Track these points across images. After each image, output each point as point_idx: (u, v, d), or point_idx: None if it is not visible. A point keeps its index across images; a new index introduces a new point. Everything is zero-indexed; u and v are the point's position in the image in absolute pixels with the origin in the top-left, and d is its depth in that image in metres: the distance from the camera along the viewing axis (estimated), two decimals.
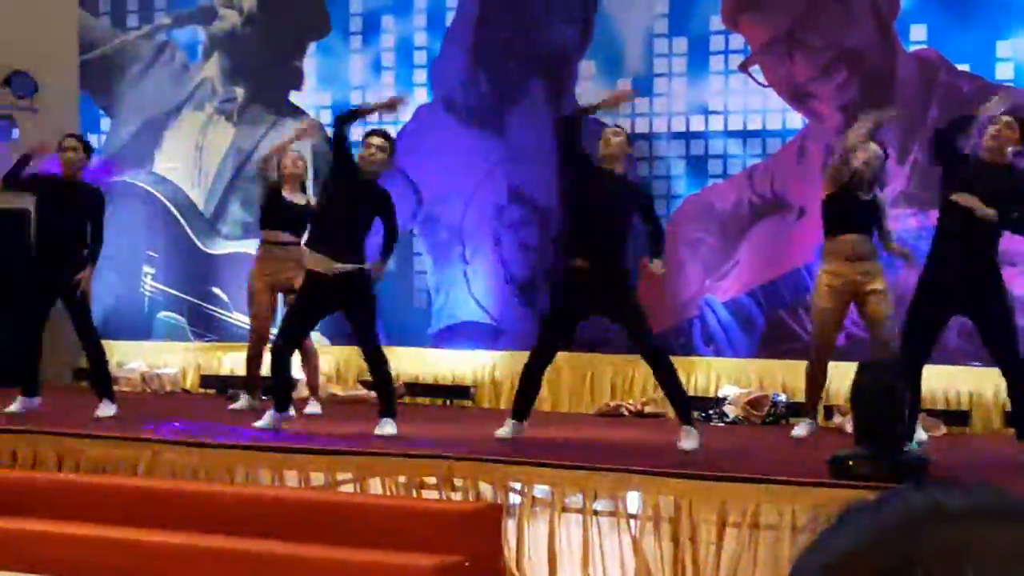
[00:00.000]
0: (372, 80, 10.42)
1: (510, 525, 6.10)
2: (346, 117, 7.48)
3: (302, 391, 8.91)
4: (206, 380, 10.58)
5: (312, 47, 10.65)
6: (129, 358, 10.68)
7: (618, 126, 7.40)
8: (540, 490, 6.12)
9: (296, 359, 8.89)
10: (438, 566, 5.64)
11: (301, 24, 10.72)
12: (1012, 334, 6.66)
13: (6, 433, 7.46)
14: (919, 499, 0.84)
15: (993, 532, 0.81)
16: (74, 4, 11.48)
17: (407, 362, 9.52)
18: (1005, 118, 6.75)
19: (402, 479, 6.41)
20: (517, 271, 9.80)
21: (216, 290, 10.77)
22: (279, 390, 7.49)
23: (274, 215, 8.62)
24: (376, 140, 7.39)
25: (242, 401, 8.85)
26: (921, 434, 7.16)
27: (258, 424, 7.43)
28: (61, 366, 10.97)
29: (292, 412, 7.74)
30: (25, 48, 11.27)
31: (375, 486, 6.47)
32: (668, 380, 6.94)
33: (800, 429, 7.48)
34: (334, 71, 10.57)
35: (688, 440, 6.79)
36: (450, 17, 10.16)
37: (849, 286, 7.29)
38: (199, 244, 10.75)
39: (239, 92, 10.91)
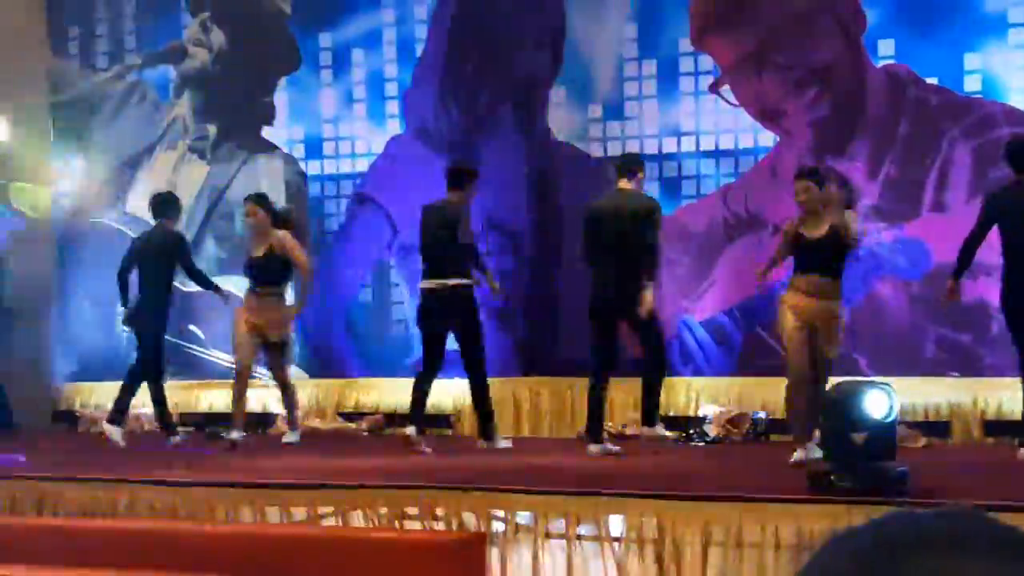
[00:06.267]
0: (344, 113, 10.42)
1: (494, 553, 6.07)
2: None
3: (280, 426, 8.91)
4: (185, 418, 10.50)
5: (283, 82, 10.64)
6: (107, 399, 10.58)
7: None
8: (523, 517, 6.09)
9: (277, 394, 8.88)
10: None
11: (271, 60, 10.72)
12: None
13: None
14: (901, 526, 0.82)
15: (973, 564, 0.79)
16: (44, 46, 11.47)
17: (386, 392, 9.49)
18: None
19: (384, 511, 6.37)
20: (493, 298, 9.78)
21: (193, 327, 10.72)
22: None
23: None
24: None
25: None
26: None
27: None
28: (39, 411, 10.91)
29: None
30: None
31: (357, 519, 6.42)
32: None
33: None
34: (305, 105, 10.56)
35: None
36: (419, 49, 10.17)
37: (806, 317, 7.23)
38: (175, 282, 10.69)
39: (211, 129, 10.90)
